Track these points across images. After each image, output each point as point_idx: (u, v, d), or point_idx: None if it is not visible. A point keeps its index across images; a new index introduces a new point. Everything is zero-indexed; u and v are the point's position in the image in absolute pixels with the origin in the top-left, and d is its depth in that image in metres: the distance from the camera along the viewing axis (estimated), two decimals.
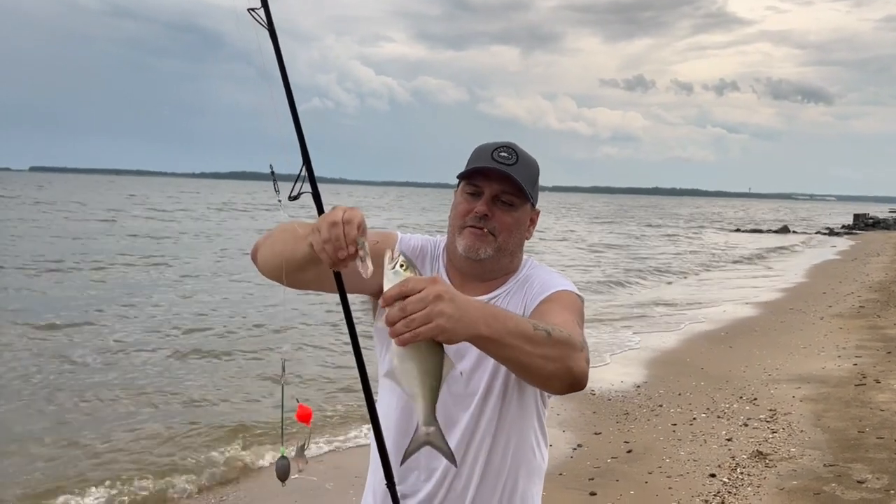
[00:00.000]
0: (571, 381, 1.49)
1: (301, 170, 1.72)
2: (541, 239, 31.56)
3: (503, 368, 1.74)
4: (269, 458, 5.88)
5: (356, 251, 1.42)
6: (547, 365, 1.44)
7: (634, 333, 11.33)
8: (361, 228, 1.44)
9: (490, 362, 1.75)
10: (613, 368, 8.73)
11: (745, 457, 5.79)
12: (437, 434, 1.38)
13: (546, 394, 1.80)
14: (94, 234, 27.70)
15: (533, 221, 1.84)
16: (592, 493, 5.14)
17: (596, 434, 6.40)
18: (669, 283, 19.22)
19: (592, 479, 5.40)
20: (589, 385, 1.61)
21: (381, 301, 1.27)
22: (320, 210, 1.68)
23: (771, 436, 6.30)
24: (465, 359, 1.77)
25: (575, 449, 6.03)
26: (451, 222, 1.81)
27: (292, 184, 1.68)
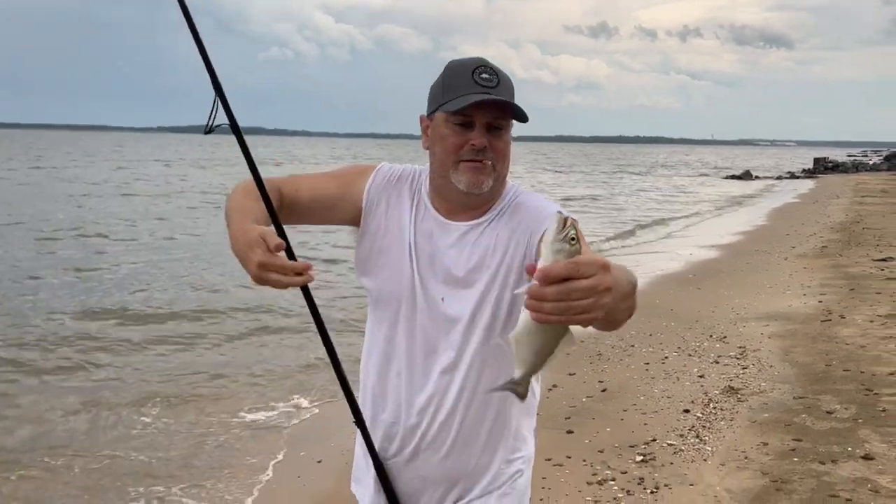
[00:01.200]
0: (628, 321, 1.42)
1: (215, 102, 1.61)
2: None
3: (490, 300, 1.68)
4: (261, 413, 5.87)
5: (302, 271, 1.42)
6: (626, 315, 1.37)
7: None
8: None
9: (476, 294, 1.68)
10: None
11: (717, 392, 5.88)
12: (524, 388, 1.29)
13: None
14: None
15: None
16: (569, 432, 5.18)
17: (570, 375, 6.43)
18: (636, 228, 19.38)
19: (569, 417, 5.44)
20: None
21: (538, 275, 1.08)
22: (241, 140, 1.59)
23: (741, 372, 6.40)
24: (450, 287, 1.71)
25: (550, 389, 6.06)
26: (440, 157, 1.68)
27: (208, 118, 1.60)
